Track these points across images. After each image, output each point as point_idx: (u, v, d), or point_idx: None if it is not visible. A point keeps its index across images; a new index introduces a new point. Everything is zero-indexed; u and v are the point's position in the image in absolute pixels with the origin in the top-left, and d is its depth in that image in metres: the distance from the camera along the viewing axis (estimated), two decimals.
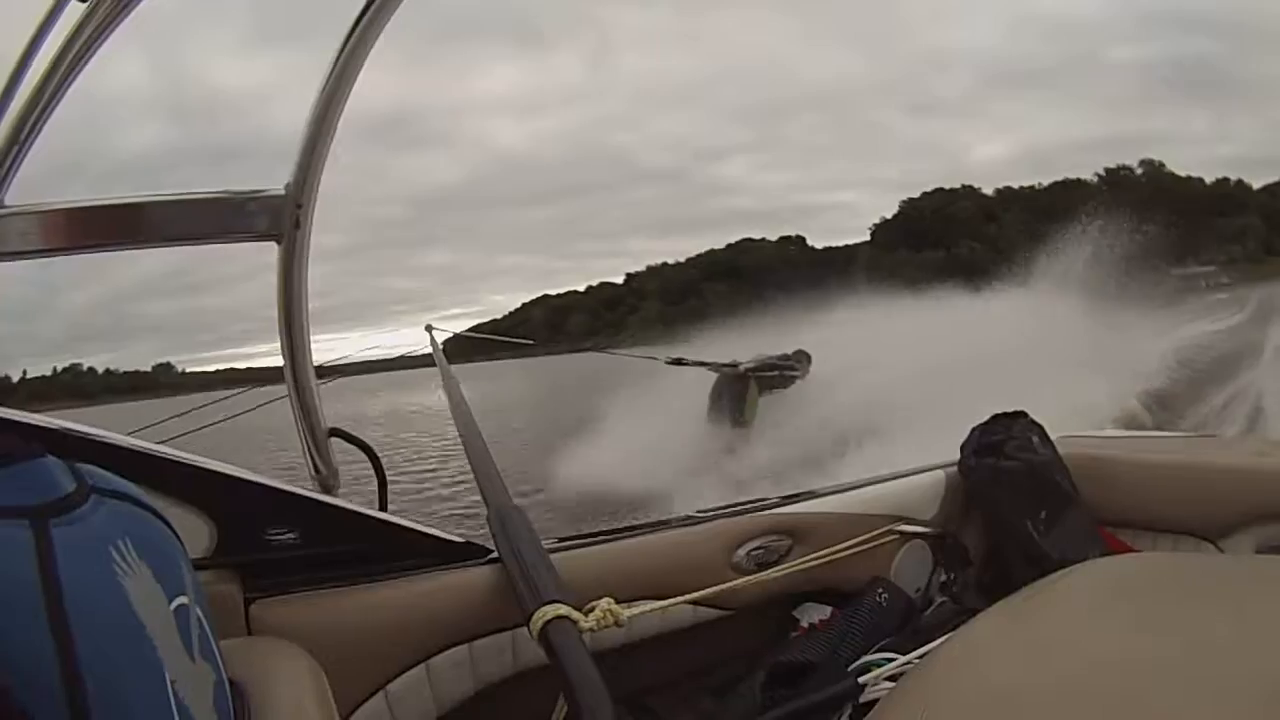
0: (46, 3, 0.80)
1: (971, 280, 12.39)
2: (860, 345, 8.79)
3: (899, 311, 10.46)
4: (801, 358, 8.43)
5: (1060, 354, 7.26)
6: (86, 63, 0.86)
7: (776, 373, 8.11)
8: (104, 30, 0.84)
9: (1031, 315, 9.20)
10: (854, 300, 11.43)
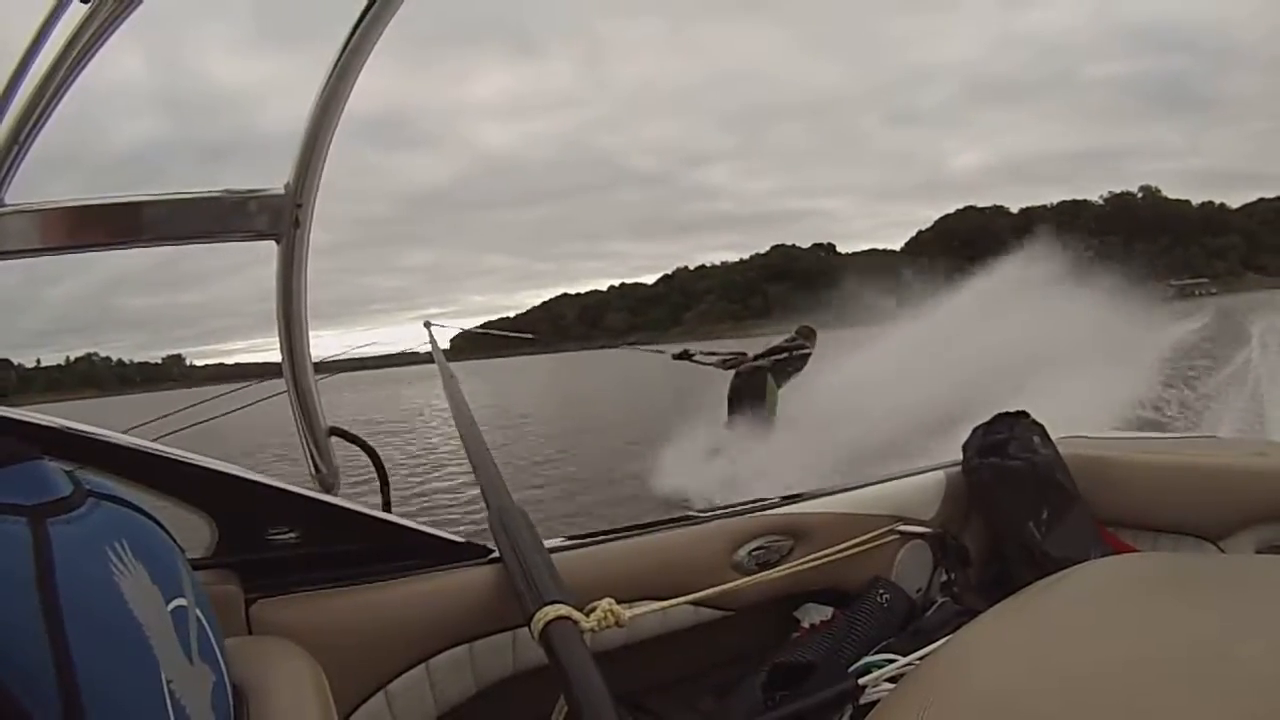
0: (49, 2, 0.80)
1: None
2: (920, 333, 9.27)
3: (955, 309, 10.61)
4: (807, 333, 8.17)
5: (1089, 343, 8.54)
6: (88, 63, 0.86)
7: (787, 355, 7.83)
8: (106, 30, 0.84)
9: (1058, 315, 9.67)
10: (909, 299, 11.43)
